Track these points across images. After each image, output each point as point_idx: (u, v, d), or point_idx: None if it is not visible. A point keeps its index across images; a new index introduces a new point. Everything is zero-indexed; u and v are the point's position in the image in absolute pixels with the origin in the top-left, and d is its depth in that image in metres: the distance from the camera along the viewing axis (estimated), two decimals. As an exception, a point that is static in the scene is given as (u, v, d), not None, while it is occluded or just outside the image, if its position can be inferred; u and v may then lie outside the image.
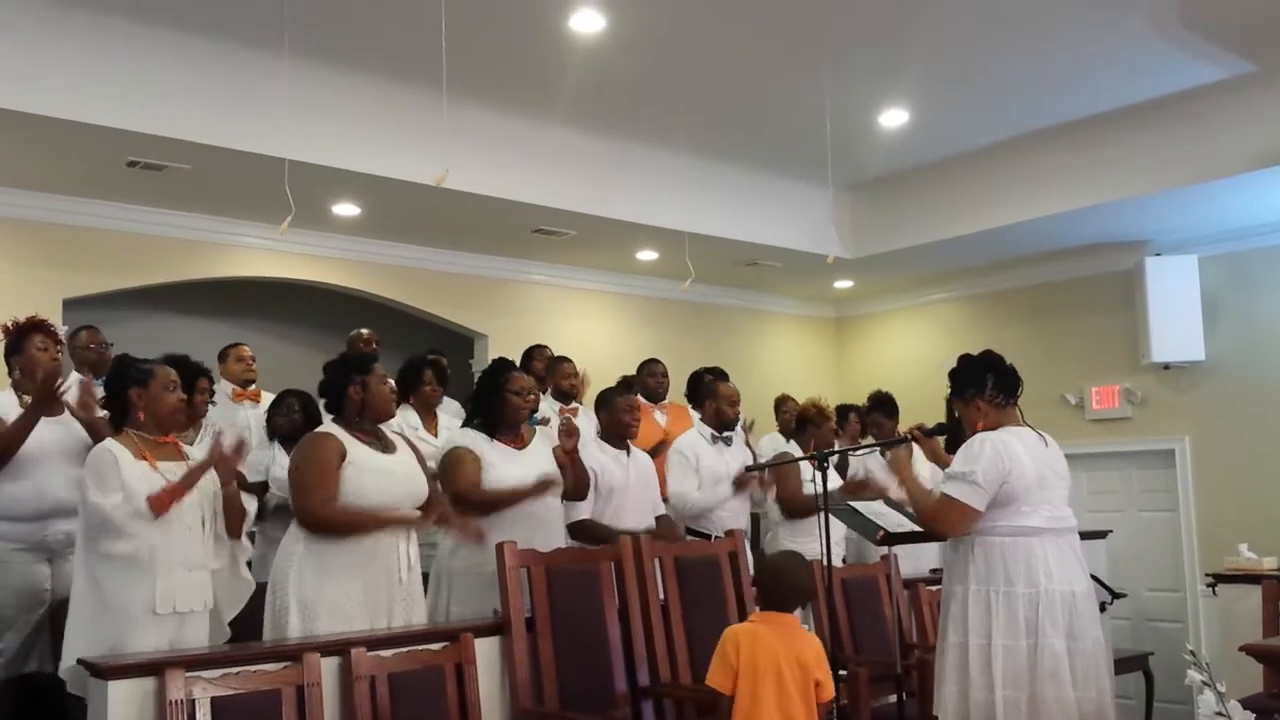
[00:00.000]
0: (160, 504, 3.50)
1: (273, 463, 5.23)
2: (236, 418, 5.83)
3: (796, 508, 5.69)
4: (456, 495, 4.30)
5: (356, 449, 3.91)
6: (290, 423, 5.30)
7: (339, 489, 3.83)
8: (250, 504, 4.48)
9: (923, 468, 6.20)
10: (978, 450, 3.73)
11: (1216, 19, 5.66)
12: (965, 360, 4.02)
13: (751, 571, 5.21)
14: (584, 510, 4.86)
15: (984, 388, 3.90)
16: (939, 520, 3.82)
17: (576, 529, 4.81)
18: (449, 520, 4.04)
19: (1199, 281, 7.91)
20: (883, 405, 6.60)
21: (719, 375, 6.43)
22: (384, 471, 3.92)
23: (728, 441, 5.60)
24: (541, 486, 4.30)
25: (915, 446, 5.89)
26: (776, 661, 3.33)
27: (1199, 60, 6.11)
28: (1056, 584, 3.65)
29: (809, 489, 5.54)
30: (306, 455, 3.94)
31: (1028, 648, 3.60)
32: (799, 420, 6.14)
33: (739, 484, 5.48)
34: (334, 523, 3.82)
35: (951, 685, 3.71)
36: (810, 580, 3.65)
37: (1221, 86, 6.40)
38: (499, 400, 4.50)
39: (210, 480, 3.76)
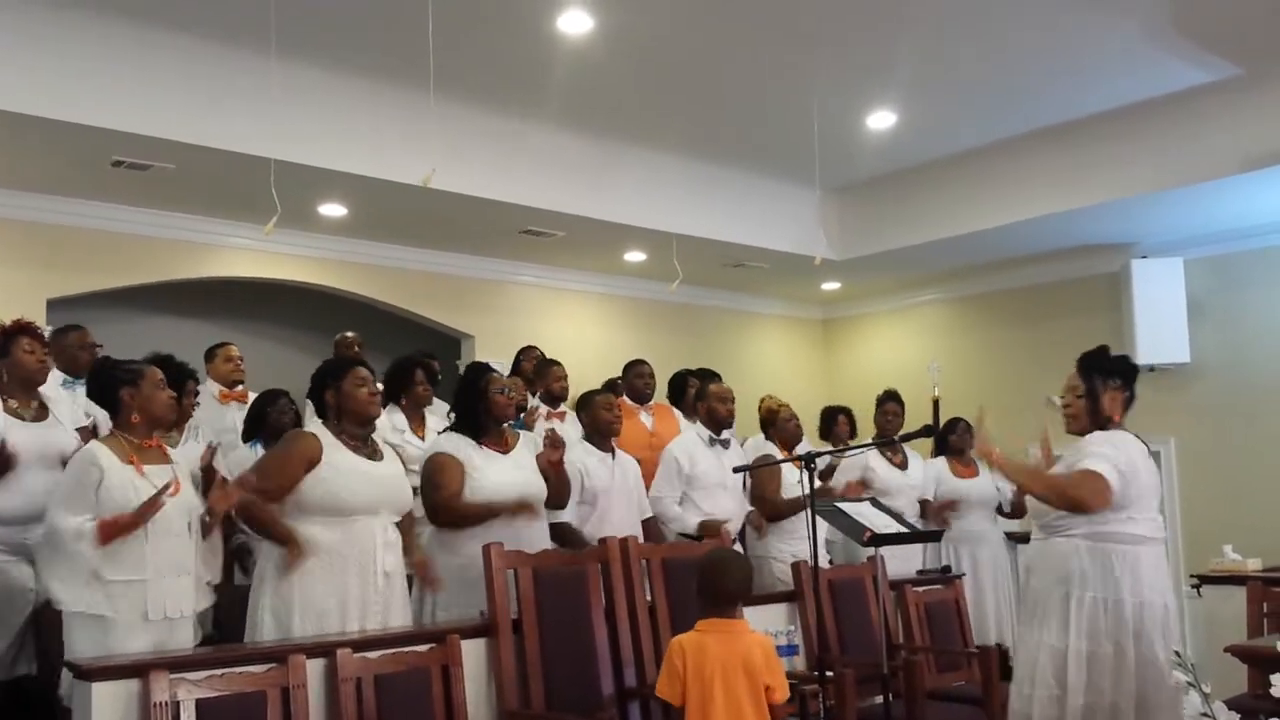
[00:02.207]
0: (105, 535, 3.44)
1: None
2: (224, 420, 5.78)
3: (770, 511, 5.64)
4: (434, 505, 4.29)
5: (337, 452, 3.89)
6: (284, 421, 5.27)
7: (290, 487, 3.82)
8: None
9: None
10: (1115, 448, 3.77)
11: (1204, 22, 5.68)
12: (1114, 355, 4.04)
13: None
14: (566, 515, 4.85)
15: (1127, 384, 3.98)
16: (1080, 491, 3.71)
17: (556, 532, 4.79)
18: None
19: (1184, 284, 7.95)
20: (893, 396, 6.67)
21: (709, 376, 6.43)
22: (363, 474, 3.89)
23: (725, 444, 5.58)
24: (519, 507, 4.24)
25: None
26: (723, 669, 3.28)
27: (1185, 63, 6.14)
28: (1157, 595, 3.71)
29: (795, 490, 5.52)
30: (277, 448, 3.98)
31: (1136, 656, 3.64)
32: (762, 423, 6.20)
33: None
34: (251, 507, 3.79)
35: (1043, 690, 3.73)
36: (749, 579, 3.56)
37: (1208, 89, 6.42)
38: (483, 403, 4.48)
39: (191, 488, 3.74)
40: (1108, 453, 3.75)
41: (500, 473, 4.38)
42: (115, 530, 3.43)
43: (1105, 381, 3.95)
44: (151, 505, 3.44)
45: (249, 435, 5.40)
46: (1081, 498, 3.72)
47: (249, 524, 3.94)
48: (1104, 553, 3.72)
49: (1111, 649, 3.65)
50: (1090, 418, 3.94)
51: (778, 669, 3.39)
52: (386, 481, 3.98)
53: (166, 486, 3.47)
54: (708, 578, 3.46)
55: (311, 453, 3.85)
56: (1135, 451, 3.83)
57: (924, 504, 6.44)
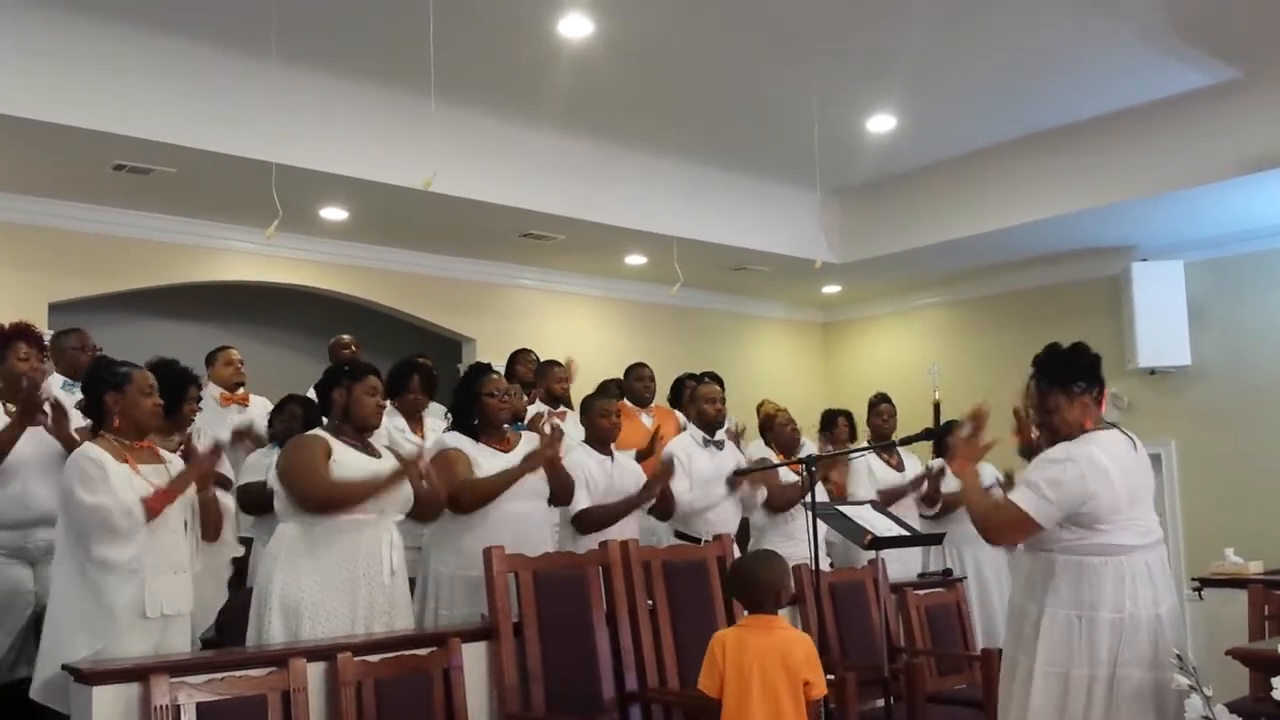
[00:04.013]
0: (154, 507, 3.50)
1: (273, 466, 5.19)
2: (225, 422, 5.78)
3: (779, 501, 5.70)
4: (452, 492, 4.31)
5: (342, 450, 3.92)
6: (290, 429, 5.26)
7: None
8: (228, 500, 4.53)
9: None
10: (1062, 468, 3.37)
11: (1202, 26, 5.69)
12: (1068, 351, 3.60)
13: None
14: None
15: (1094, 383, 3.54)
16: (990, 524, 3.48)
17: (580, 521, 4.79)
18: (428, 475, 4.01)
19: (1185, 286, 7.95)
20: (885, 398, 6.66)
21: (707, 378, 6.43)
22: (367, 472, 3.91)
23: (719, 445, 5.60)
24: (530, 461, 4.29)
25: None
26: (762, 664, 3.32)
27: (1185, 66, 6.14)
28: (1142, 608, 3.36)
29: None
30: (293, 451, 3.97)
31: (1106, 679, 3.32)
32: (760, 427, 6.20)
33: (731, 485, 5.47)
34: (332, 494, 3.82)
35: (1018, 712, 3.42)
36: (783, 576, 3.58)
37: (1208, 92, 6.43)
38: (476, 404, 4.52)
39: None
40: (1051, 475, 3.36)
41: (502, 468, 4.41)
42: (162, 500, 3.52)
43: (1068, 390, 3.52)
44: (189, 475, 3.61)
45: (273, 438, 5.43)
46: (990, 529, 3.49)
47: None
48: (1077, 566, 3.40)
49: (1086, 673, 3.34)
50: (1059, 432, 3.54)
51: (817, 666, 3.41)
52: None
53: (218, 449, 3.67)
54: (741, 578, 3.53)
55: (325, 448, 3.89)
56: (1112, 456, 3.43)
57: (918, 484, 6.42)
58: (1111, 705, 3.32)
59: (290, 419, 5.30)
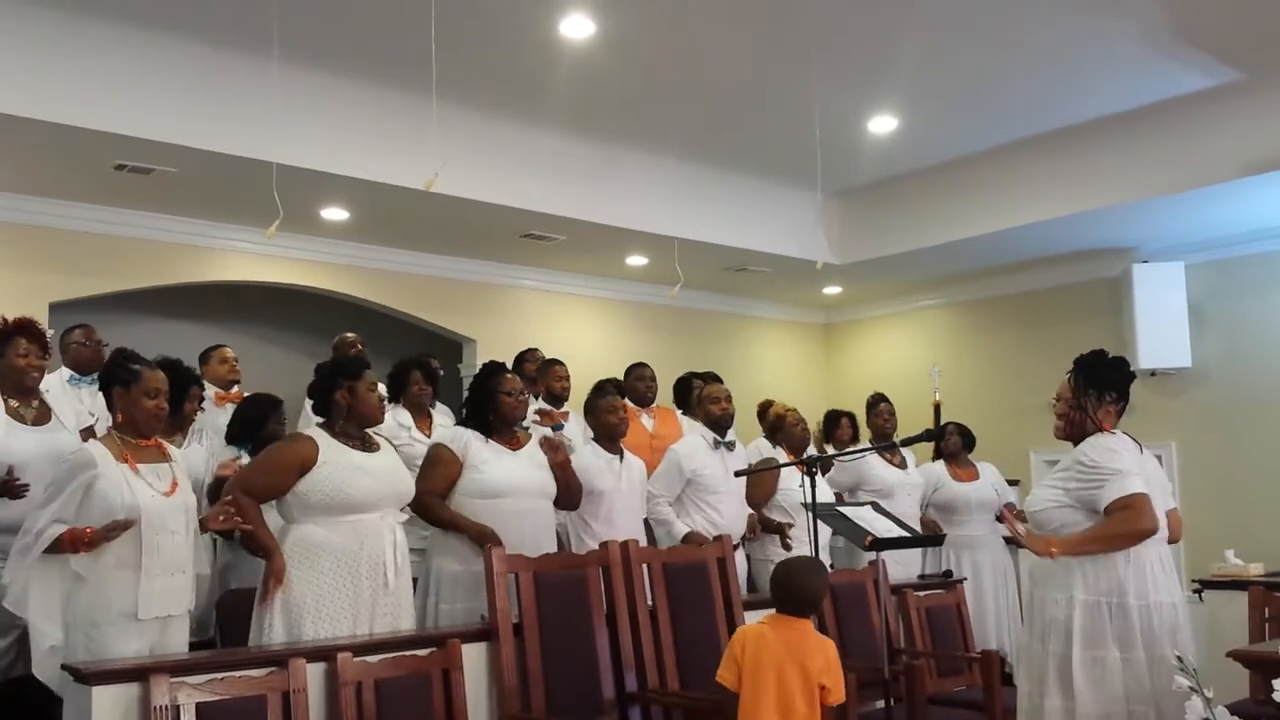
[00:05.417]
0: (67, 544, 3.48)
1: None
2: (218, 422, 5.77)
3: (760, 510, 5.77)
4: (420, 496, 4.34)
5: (333, 449, 3.92)
6: (281, 431, 5.25)
7: (277, 491, 3.89)
8: None
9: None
10: (1112, 455, 3.67)
11: (1205, 28, 5.68)
12: (1111, 360, 3.91)
13: (742, 578, 5.26)
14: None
15: (1122, 396, 3.86)
16: (1134, 523, 3.57)
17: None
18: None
19: (1186, 288, 7.94)
20: (883, 397, 6.69)
21: (710, 379, 6.44)
22: (361, 469, 3.92)
23: (729, 446, 5.60)
24: (483, 537, 4.25)
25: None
26: (779, 664, 3.36)
27: (1187, 68, 6.14)
28: (1164, 595, 3.61)
29: (797, 494, 5.54)
30: (273, 450, 4.03)
31: (1147, 660, 3.53)
32: (770, 427, 6.22)
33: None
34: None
35: (1056, 699, 3.61)
36: (825, 588, 3.64)
37: (1209, 94, 6.42)
38: (493, 402, 4.53)
39: (189, 487, 3.75)
40: (1123, 465, 3.64)
41: (509, 467, 4.44)
42: (77, 544, 3.46)
43: (1100, 396, 3.83)
44: (110, 531, 3.46)
45: (237, 438, 5.38)
46: (1143, 528, 3.59)
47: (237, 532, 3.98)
48: (1106, 555, 3.61)
49: (1119, 655, 3.54)
50: (1081, 427, 3.83)
51: (837, 673, 3.46)
52: (386, 474, 4.00)
53: (128, 524, 3.48)
54: (789, 581, 3.55)
55: (306, 456, 3.87)
56: (1128, 451, 3.74)
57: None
58: (1155, 688, 3.50)
59: (280, 422, 5.30)
